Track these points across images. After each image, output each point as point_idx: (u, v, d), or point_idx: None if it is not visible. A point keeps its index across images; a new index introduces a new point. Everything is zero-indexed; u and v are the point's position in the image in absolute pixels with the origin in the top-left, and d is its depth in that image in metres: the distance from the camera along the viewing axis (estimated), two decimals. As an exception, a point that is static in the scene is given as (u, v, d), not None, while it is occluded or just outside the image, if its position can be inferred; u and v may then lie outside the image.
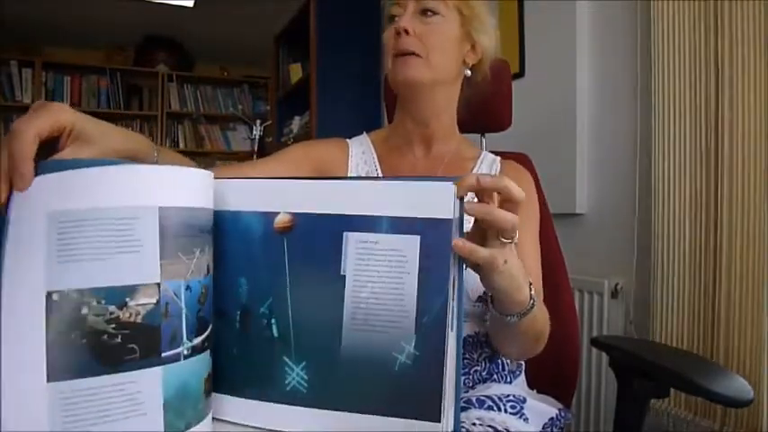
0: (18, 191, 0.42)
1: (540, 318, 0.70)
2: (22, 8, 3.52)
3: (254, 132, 3.41)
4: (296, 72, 3.14)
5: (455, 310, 0.50)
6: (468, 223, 0.54)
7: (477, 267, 0.56)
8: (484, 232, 0.54)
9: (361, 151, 0.95)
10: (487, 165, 0.93)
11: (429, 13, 0.83)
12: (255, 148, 3.49)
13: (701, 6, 1.31)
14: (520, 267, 0.59)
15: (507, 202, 0.53)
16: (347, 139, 0.97)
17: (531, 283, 0.63)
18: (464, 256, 0.50)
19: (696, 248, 1.33)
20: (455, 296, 0.50)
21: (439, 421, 0.48)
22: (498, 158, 0.95)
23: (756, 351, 1.19)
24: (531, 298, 0.62)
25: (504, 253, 0.54)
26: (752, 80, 1.21)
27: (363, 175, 0.92)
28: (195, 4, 3.65)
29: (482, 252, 0.52)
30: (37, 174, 0.43)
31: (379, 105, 2.78)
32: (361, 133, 0.99)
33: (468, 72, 0.90)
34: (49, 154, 0.46)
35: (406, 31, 0.81)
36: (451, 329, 0.50)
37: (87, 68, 4.36)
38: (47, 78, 4.20)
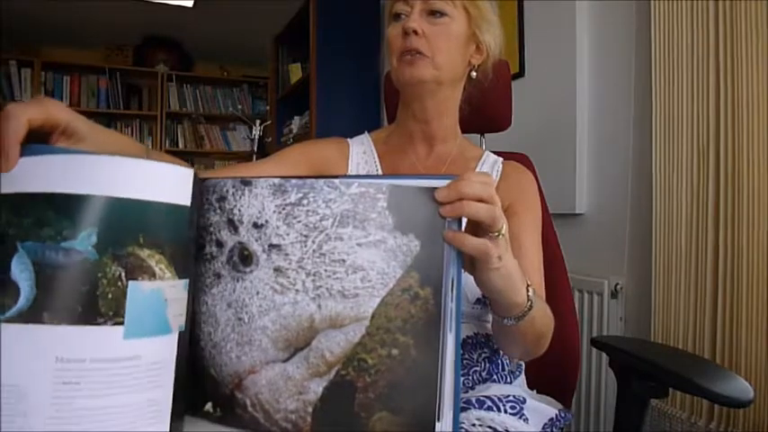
0: (2, 171, 0.43)
1: (541, 319, 0.69)
2: (21, 8, 3.52)
3: (254, 132, 3.41)
4: (296, 72, 3.14)
5: (453, 310, 0.50)
6: (465, 221, 0.54)
7: (471, 267, 0.56)
8: (477, 231, 0.54)
9: (361, 150, 0.94)
10: (489, 165, 0.93)
11: (437, 14, 0.82)
12: (255, 149, 3.49)
13: (701, 6, 1.31)
14: (516, 268, 0.59)
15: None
16: (347, 139, 0.97)
17: (528, 285, 0.62)
18: (456, 245, 0.50)
19: (695, 248, 1.33)
20: (453, 297, 0.50)
21: (437, 421, 0.48)
22: (500, 159, 0.94)
23: (755, 351, 1.19)
24: (528, 299, 0.62)
25: (498, 248, 0.54)
26: (752, 80, 1.20)
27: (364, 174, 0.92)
28: (195, 4, 3.65)
29: (473, 241, 0.51)
30: (23, 155, 0.44)
31: (379, 105, 2.78)
32: (363, 133, 0.99)
33: (474, 74, 0.89)
34: None
35: (415, 32, 0.80)
36: (450, 330, 0.49)
37: (87, 68, 4.36)
38: (46, 78, 4.21)
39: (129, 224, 0.45)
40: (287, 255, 0.51)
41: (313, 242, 0.50)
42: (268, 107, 4.08)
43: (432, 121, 0.89)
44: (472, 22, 0.84)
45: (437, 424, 0.48)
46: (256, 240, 0.52)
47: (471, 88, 0.92)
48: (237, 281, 0.52)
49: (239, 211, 0.52)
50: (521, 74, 1.89)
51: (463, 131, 0.96)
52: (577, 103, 1.68)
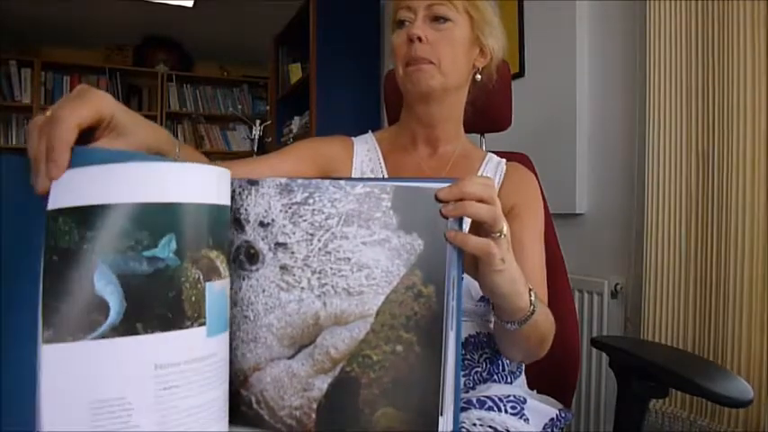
0: (50, 179, 0.42)
1: (543, 322, 0.70)
2: (21, 8, 3.52)
3: (254, 132, 3.41)
4: (295, 72, 3.14)
5: (454, 309, 0.50)
6: (467, 224, 0.54)
7: (475, 271, 0.57)
8: (478, 232, 0.55)
9: (365, 149, 0.95)
10: (492, 166, 0.93)
11: (441, 20, 0.82)
12: (255, 149, 3.50)
13: (699, 7, 1.32)
14: (519, 272, 0.59)
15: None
16: (352, 138, 0.97)
17: (531, 289, 0.63)
18: (458, 244, 0.51)
19: (692, 248, 1.33)
20: (455, 296, 0.50)
21: (438, 420, 0.49)
22: (503, 161, 0.95)
23: (754, 351, 1.19)
24: (531, 304, 0.62)
25: (500, 249, 0.54)
26: (748, 83, 1.21)
27: (368, 174, 0.92)
28: (195, 4, 3.65)
29: (475, 241, 0.52)
30: (73, 162, 0.42)
31: (379, 105, 2.78)
32: (365, 132, 0.99)
33: (479, 76, 0.90)
34: (82, 141, 0.45)
35: (420, 39, 0.80)
36: (451, 329, 0.50)
37: (87, 68, 4.36)
38: (46, 78, 4.19)
39: (201, 228, 0.46)
40: (293, 253, 0.51)
41: (319, 240, 0.51)
42: (268, 107, 4.08)
43: (437, 126, 0.90)
44: (475, 26, 0.85)
45: (438, 421, 0.49)
46: (262, 239, 0.52)
47: (476, 90, 0.93)
48: (243, 279, 0.53)
49: (245, 210, 0.53)
50: (521, 74, 1.89)
51: (464, 131, 0.97)
52: (577, 103, 1.69)
